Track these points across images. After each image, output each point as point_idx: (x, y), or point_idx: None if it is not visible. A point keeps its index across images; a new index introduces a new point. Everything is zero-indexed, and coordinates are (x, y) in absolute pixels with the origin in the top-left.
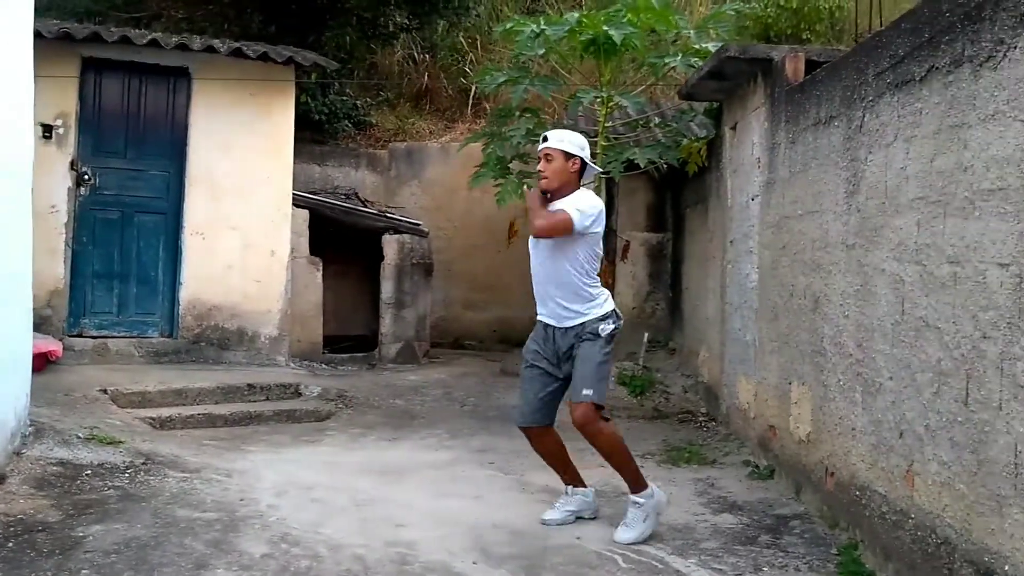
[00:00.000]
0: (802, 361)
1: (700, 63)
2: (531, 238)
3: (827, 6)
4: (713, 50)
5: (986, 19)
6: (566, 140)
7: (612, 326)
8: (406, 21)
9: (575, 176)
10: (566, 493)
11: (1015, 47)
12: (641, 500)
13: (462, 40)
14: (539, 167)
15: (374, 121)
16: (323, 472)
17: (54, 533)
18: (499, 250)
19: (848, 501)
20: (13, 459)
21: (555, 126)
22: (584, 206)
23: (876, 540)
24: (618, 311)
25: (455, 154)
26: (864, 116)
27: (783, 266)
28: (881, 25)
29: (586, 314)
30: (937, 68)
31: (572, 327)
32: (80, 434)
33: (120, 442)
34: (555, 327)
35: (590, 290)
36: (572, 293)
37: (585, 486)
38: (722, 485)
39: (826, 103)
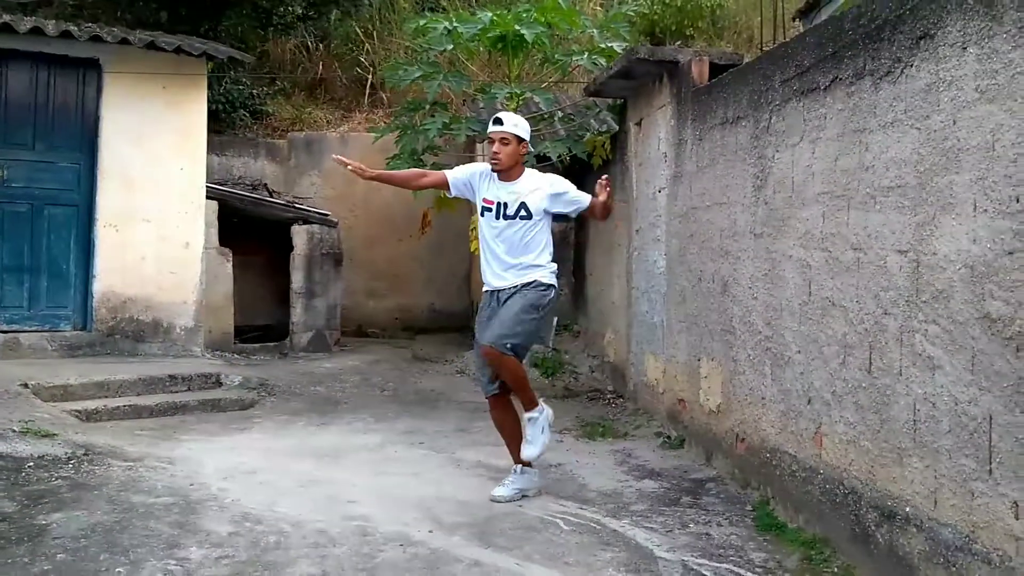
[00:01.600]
0: (712, 339)
1: (604, 61)
2: (488, 215)
3: (709, 4)
4: (617, 49)
5: (885, 39)
6: (520, 125)
7: (550, 293)
8: (303, 11)
9: (522, 158)
10: (515, 472)
11: (911, 64)
12: (536, 415)
13: (356, 29)
14: (494, 148)
15: (271, 111)
16: (261, 457)
17: (15, 523)
18: (400, 239)
19: (759, 463)
20: None
21: (458, 120)
22: (566, 183)
23: (787, 496)
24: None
25: (354, 144)
26: (771, 118)
27: (691, 253)
28: (761, 23)
29: (534, 277)
30: (840, 79)
31: (518, 285)
32: (14, 428)
33: (54, 435)
34: (501, 289)
35: (547, 258)
36: (531, 261)
37: (532, 466)
38: (638, 455)
39: (733, 104)
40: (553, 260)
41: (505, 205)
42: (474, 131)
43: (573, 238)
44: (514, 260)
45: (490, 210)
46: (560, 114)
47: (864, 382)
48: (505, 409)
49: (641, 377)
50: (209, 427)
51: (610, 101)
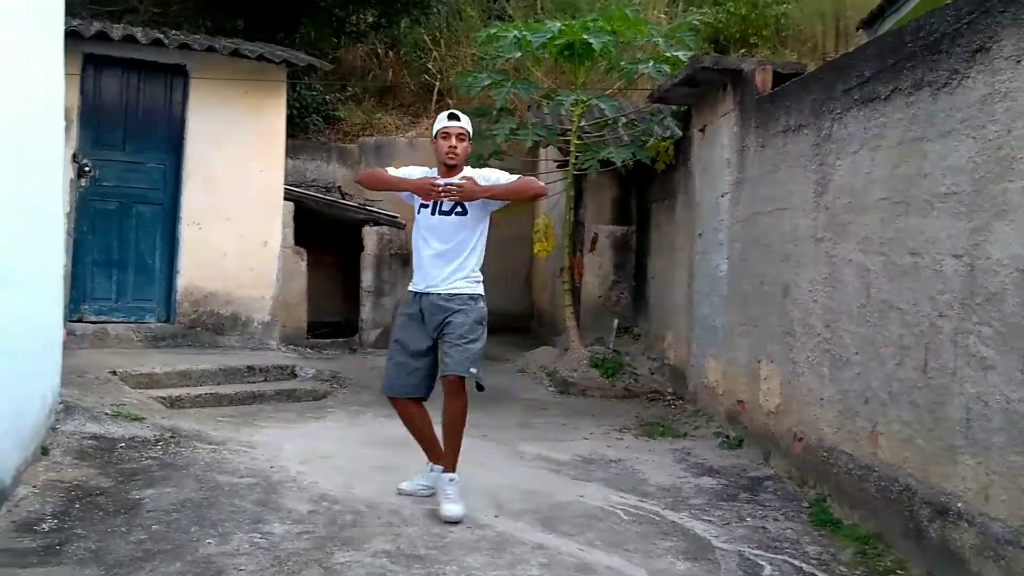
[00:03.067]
0: (772, 342)
1: (669, 69)
2: (424, 211)
3: (773, 14)
4: (682, 58)
5: (943, 51)
6: (470, 125)
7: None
8: (375, 19)
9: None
10: (430, 470)
11: (968, 76)
12: (457, 477)
13: (425, 37)
14: (451, 143)
15: (342, 116)
16: (335, 444)
17: (112, 497)
18: None
19: (816, 462)
20: (52, 433)
21: (524, 126)
22: (495, 173)
23: (842, 493)
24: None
25: (421, 148)
26: (832, 126)
27: (753, 257)
28: (824, 33)
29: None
30: (900, 89)
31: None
32: (107, 411)
33: (143, 418)
34: (431, 294)
35: (474, 263)
36: (470, 267)
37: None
38: (697, 454)
39: (796, 113)
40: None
41: (441, 201)
42: (540, 136)
43: (635, 242)
44: (449, 263)
45: (426, 206)
46: (624, 120)
47: (919, 382)
48: (420, 409)
49: (701, 379)
50: (285, 415)
51: (674, 108)
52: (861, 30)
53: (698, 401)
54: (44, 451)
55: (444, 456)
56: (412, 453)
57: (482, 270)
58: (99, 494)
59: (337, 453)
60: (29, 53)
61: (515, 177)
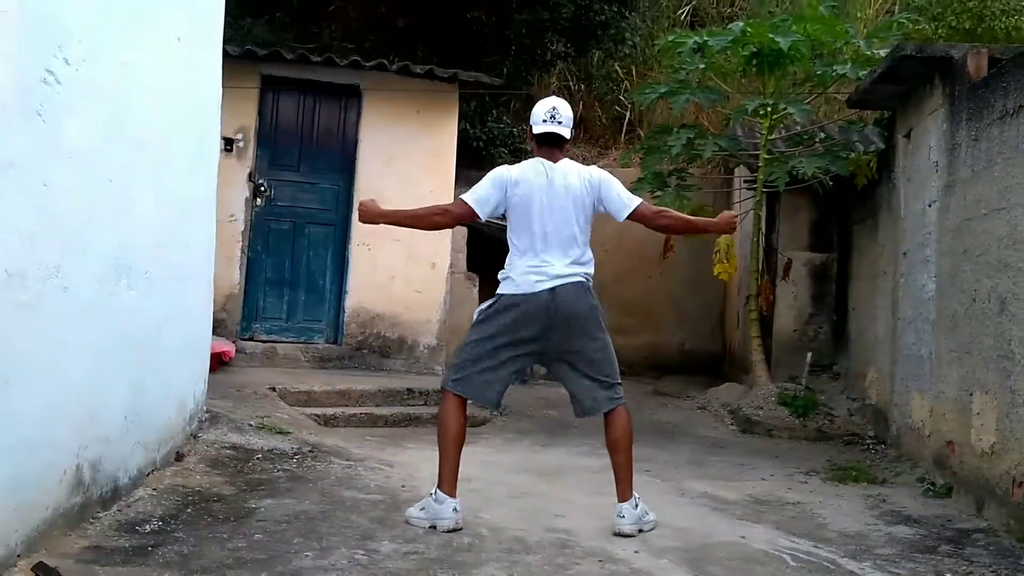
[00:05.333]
0: (986, 369)
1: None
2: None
3: (1003, 27)
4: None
5: None
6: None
7: (484, 304)
8: (563, 49)
9: None
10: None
11: None
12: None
13: (617, 69)
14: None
15: (529, 148)
16: (480, 468)
17: (228, 504)
18: (650, 276)
19: None
20: (191, 440)
21: (703, 136)
22: None
23: None
24: (503, 294)
25: None
26: None
27: (964, 271)
28: None
29: None
30: None
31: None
32: (252, 423)
33: (288, 432)
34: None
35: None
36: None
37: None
38: (894, 501)
39: (1015, 92)
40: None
41: None
42: (719, 148)
43: (834, 270)
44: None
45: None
46: (822, 134)
47: None
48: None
49: (905, 419)
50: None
51: (876, 116)
52: None
53: (901, 445)
54: (179, 457)
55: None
56: (557, 483)
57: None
58: (216, 500)
59: (479, 477)
60: (178, 47)
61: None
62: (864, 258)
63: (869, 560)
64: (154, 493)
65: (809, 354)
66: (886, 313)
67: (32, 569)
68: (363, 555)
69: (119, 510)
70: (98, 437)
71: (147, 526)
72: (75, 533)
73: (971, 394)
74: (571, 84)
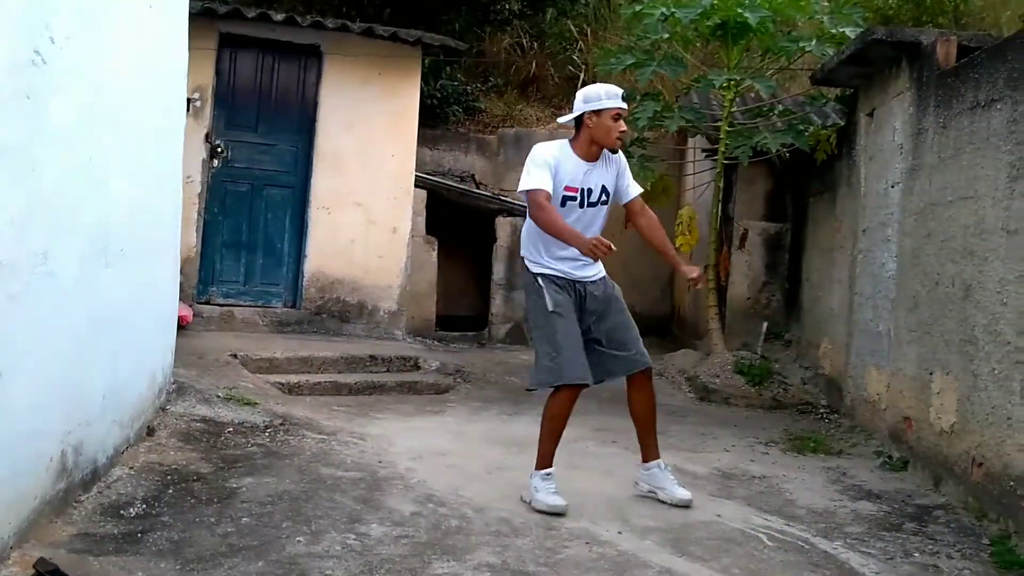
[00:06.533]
0: (947, 350)
1: (833, 49)
2: (571, 204)
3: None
4: (849, 34)
5: None
6: None
7: None
8: (519, 8)
9: None
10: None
11: None
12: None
13: (571, 28)
14: (621, 126)
15: (483, 107)
16: (451, 440)
17: (208, 483)
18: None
19: (999, 492)
20: (160, 413)
21: (670, 109)
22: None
23: None
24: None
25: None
26: None
27: (927, 254)
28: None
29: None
30: None
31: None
32: (219, 394)
33: (255, 403)
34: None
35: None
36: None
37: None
38: (854, 474)
39: (986, 86)
40: None
41: (590, 191)
42: (687, 121)
43: (788, 240)
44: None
45: (573, 198)
46: (780, 107)
47: None
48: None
49: (860, 392)
50: (404, 408)
51: (837, 92)
52: None
53: (856, 416)
54: (150, 431)
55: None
56: (530, 455)
57: (625, 269)
58: (196, 480)
59: (452, 450)
60: (148, 15)
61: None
62: (819, 230)
63: (840, 539)
64: (132, 472)
65: (765, 324)
66: (842, 287)
67: (34, 566)
68: (355, 540)
69: (99, 492)
70: (80, 421)
71: (131, 509)
72: (61, 520)
73: (931, 373)
74: (524, 42)
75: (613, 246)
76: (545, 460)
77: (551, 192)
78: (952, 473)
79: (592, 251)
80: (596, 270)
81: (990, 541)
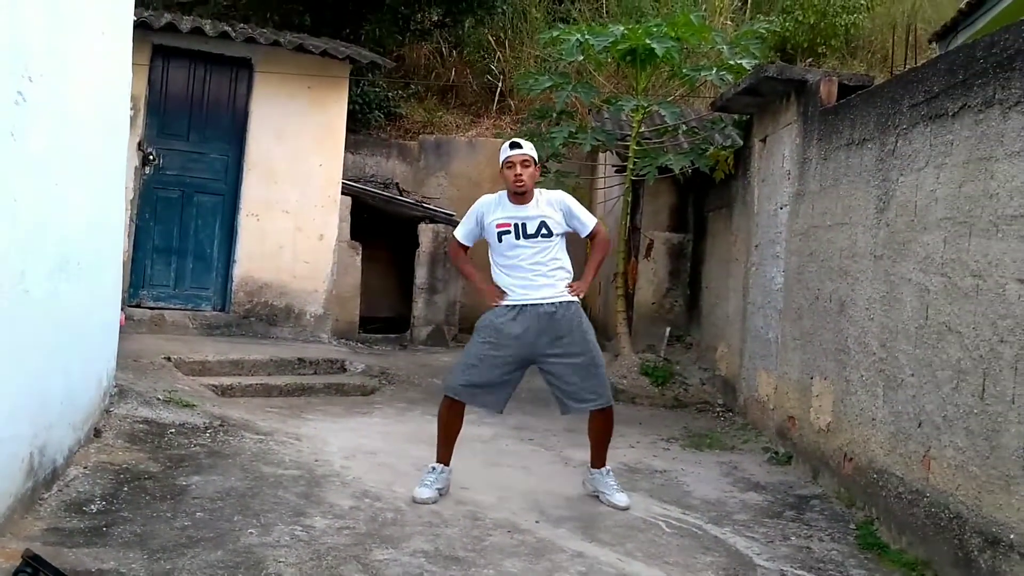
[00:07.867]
0: (825, 358)
1: (732, 77)
2: (507, 238)
3: (843, 23)
4: (746, 66)
5: (1016, 68)
6: (534, 149)
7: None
8: (439, 18)
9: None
10: (436, 470)
11: None
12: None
13: (489, 38)
14: (518, 171)
15: (404, 113)
16: (380, 440)
17: (159, 481)
18: None
19: (865, 483)
20: (105, 416)
21: (583, 130)
22: (575, 202)
23: (891, 517)
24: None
25: (480, 149)
26: (897, 141)
27: (809, 271)
28: (893, 45)
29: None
30: (969, 106)
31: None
32: (159, 396)
33: (194, 405)
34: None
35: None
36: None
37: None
38: (744, 468)
39: (860, 126)
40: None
41: (524, 225)
42: (598, 141)
43: (690, 250)
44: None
45: (508, 232)
46: (684, 127)
47: (976, 408)
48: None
49: (752, 392)
50: (333, 409)
51: (736, 116)
52: (934, 43)
53: (748, 414)
54: (97, 433)
55: (601, 457)
56: (456, 452)
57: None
58: (147, 478)
59: (382, 449)
60: (101, 41)
61: (591, 217)
62: (718, 242)
63: (729, 525)
64: (86, 471)
65: (668, 329)
66: (737, 296)
67: (23, 556)
68: (302, 531)
69: (59, 490)
70: (44, 424)
71: (92, 506)
72: (30, 516)
73: (812, 377)
74: (443, 50)
75: (502, 300)
76: (438, 455)
77: (467, 244)
78: (828, 467)
79: (488, 298)
80: (549, 294)
81: (856, 526)
